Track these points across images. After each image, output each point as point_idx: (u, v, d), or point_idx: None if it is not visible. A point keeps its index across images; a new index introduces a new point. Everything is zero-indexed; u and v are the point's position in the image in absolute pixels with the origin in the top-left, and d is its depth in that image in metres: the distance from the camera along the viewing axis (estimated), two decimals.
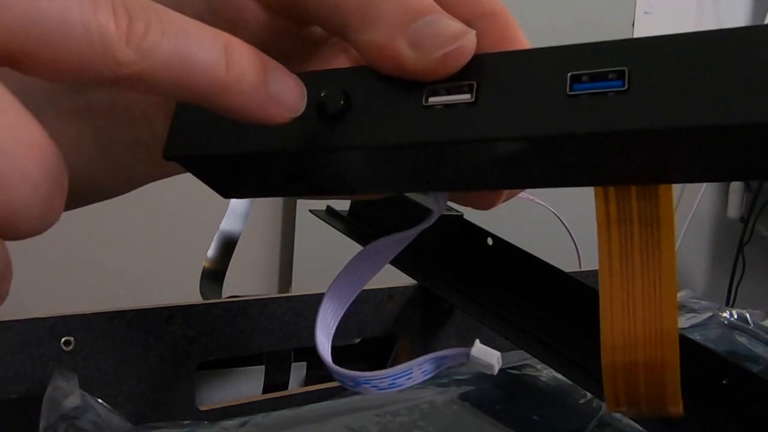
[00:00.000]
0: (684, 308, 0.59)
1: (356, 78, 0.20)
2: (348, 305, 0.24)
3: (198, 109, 0.20)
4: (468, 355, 0.22)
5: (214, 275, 0.54)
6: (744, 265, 1.56)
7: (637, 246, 0.20)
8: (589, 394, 0.40)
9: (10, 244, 0.17)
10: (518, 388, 0.43)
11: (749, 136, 0.16)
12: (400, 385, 0.22)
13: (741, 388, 0.36)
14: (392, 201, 0.40)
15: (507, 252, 0.43)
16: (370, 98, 0.19)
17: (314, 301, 0.45)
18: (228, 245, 0.54)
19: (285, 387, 0.47)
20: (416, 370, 0.22)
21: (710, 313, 0.57)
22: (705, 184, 1.52)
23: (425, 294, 0.51)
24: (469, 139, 0.18)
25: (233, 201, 0.52)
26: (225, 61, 0.17)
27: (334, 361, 0.22)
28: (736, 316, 0.56)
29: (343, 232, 0.46)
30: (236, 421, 0.35)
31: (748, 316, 0.57)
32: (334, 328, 0.23)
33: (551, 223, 0.62)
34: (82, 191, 0.26)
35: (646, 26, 1.43)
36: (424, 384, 0.41)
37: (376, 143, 0.19)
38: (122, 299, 0.40)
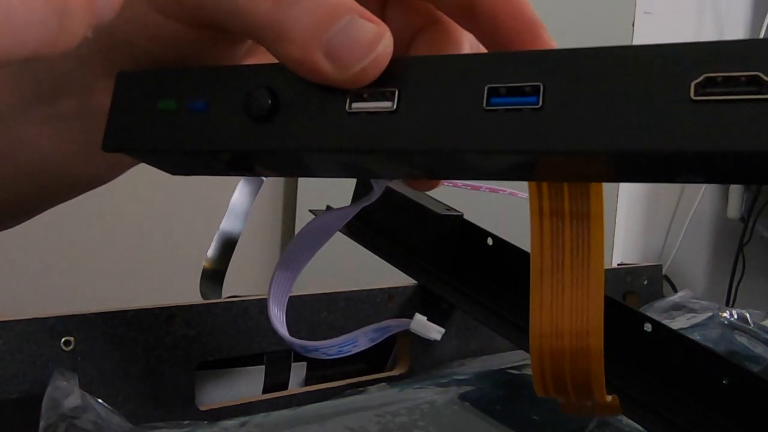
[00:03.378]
0: (684, 308, 0.59)
1: (282, 75, 0.20)
2: (298, 275, 0.24)
3: (133, 98, 0.21)
4: (408, 325, 0.23)
5: (214, 275, 0.54)
6: (744, 265, 1.56)
7: (567, 236, 0.20)
8: None
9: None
10: (518, 388, 0.43)
11: (651, 158, 0.16)
12: (347, 352, 0.24)
13: (741, 388, 0.36)
14: (388, 199, 0.40)
15: (507, 252, 0.43)
16: (296, 98, 0.19)
17: (314, 302, 0.45)
18: (228, 245, 0.54)
19: (285, 387, 0.47)
20: (362, 338, 0.24)
21: (710, 313, 0.57)
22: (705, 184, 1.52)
23: (425, 294, 0.51)
24: (390, 149, 0.18)
25: (233, 201, 0.52)
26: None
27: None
28: (736, 316, 0.56)
29: (342, 232, 0.46)
30: (236, 421, 0.35)
31: (748, 316, 0.57)
32: (287, 298, 0.24)
33: None
34: (72, 183, 0.27)
35: (646, 26, 1.43)
36: (423, 384, 0.41)
37: (303, 147, 0.19)
38: (122, 299, 0.40)
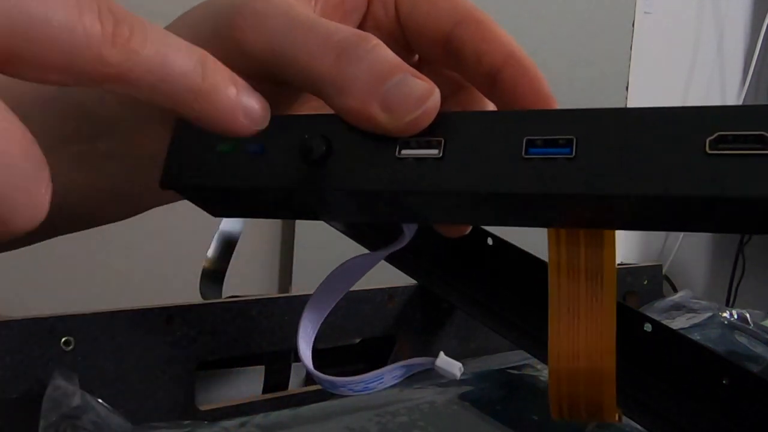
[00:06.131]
0: (684, 308, 0.59)
1: (335, 125, 0.22)
2: (325, 316, 0.26)
3: (192, 140, 0.22)
4: (433, 363, 0.24)
5: (214, 275, 0.54)
6: (744, 265, 1.56)
7: (582, 263, 0.22)
8: None
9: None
10: (518, 388, 0.43)
11: (670, 204, 0.18)
12: (372, 388, 0.25)
13: (741, 388, 0.36)
14: None
15: (507, 252, 0.43)
16: (349, 145, 0.21)
17: None
18: (228, 245, 0.54)
19: (285, 387, 0.47)
20: (387, 375, 0.25)
21: (710, 313, 0.57)
22: None
23: (425, 294, 0.51)
24: (435, 192, 0.20)
25: None
26: (201, 71, 0.18)
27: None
28: (736, 316, 0.56)
29: (343, 232, 0.46)
30: (236, 421, 0.35)
31: (748, 316, 0.57)
32: (314, 337, 0.26)
33: None
34: (91, 218, 0.27)
35: (646, 26, 1.43)
36: (423, 384, 0.41)
37: (355, 189, 0.21)
38: (122, 299, 0.40)
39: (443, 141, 0.20)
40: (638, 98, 1.41)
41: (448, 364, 0.24)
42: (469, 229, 0.27)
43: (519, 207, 0.20)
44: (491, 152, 0.20)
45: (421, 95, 0.20)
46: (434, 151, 0.20)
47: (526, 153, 0.19)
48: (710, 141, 0.18)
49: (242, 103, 0.20)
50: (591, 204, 0.19)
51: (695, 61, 1.59)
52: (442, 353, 0.24)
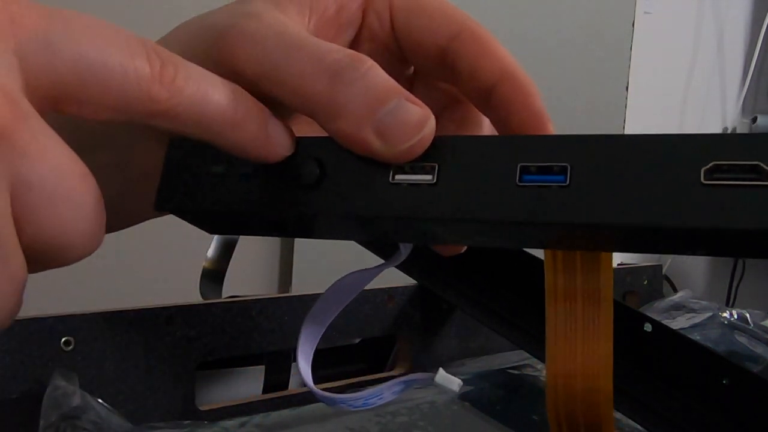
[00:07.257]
0: (684, 308, 0.59)
1: (329, 148, 0.21)
2: (323, 332, 0.26)
3: (185, 163, 0.23)
4: (432, 379, 0.25)
5: (214, 275, 0.54)
6: (744, 265, 1.56)
7: (579, 283, 0.22)
8: None
9: None
10: (518, 388, 0.43)
11: (664, 233, 0.18)
12: (372, 404, 0.25)
13: (741, 388, 0.36)
14: None
15: (506, 251, 0.43)
16: (342, 169, 0.21)
17: (314, 301, 0.45)
18: (228, 245, 0.54)
19: (285, 387, 0.47)
20: (386, 391, 0.25)
21: (710, 313, 0.57)
22: None
23: (425, 294, 0.51)
24: (429, 218, 0.20)
25: None
26: (234, 103, 0.20)
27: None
28: (736, 316, 0.56)
29: None
30: (236, 421, 0.35)
31: (748, 316, 0.57)
32: (313, 352, 0.26)
33: None
34: None
35: (646, 26, 1.43)
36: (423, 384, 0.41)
37: (348, 214, 0.21)
38: (122, 299, 0.40)
39: (437, 166, 0.20)
40: (638, 98, 1.41)
41: (447, 380, 0.24)
42: (465, 248, 0.27)
43: (513, 233, 0.20)
44: (485, 179, 0.20)
45: (416, 123, 0.20)
46: (428, 177, 0.20)
47: (520, 180, 0.19)
48: (705, 171, 0.18)
49: (270, 131, 0.21)
50: (585, 231, 0.19)
51: (695, 61, 1.59)
52: (441, 369, 0.25)
